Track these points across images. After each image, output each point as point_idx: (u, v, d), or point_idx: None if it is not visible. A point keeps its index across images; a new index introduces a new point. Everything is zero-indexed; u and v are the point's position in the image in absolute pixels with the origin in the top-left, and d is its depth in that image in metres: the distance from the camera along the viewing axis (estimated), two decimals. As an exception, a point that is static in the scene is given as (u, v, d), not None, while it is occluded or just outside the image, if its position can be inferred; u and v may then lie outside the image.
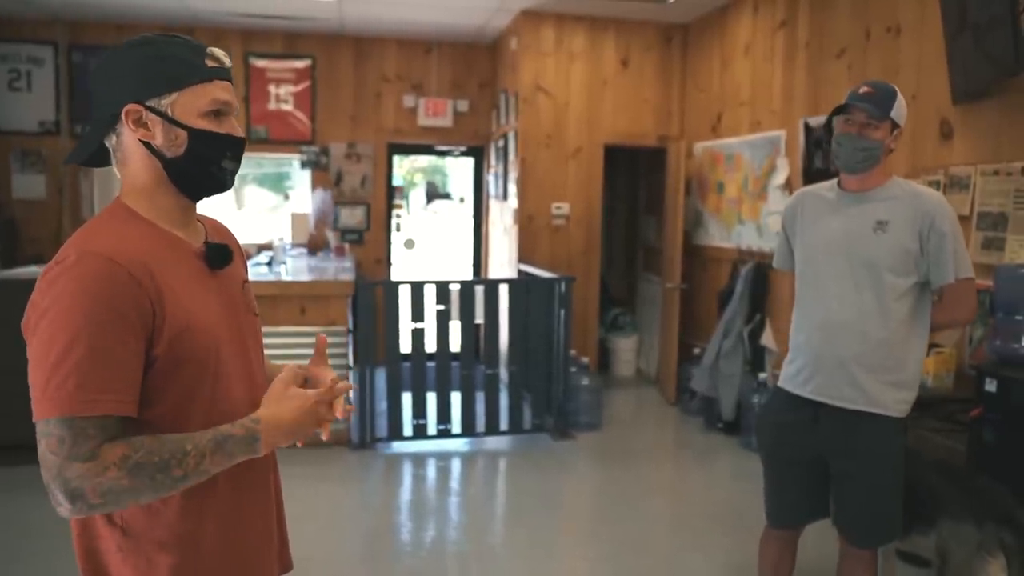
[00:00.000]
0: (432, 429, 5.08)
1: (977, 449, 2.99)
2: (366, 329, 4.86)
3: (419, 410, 5.03)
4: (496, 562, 3.60)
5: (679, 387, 6.04)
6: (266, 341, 1.48)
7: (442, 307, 4.97)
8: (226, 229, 1.47)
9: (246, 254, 1.54)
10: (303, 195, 7.36)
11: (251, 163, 7.62)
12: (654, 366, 6.85)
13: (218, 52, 1.28)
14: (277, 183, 8.24)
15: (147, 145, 1.23)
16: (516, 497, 4.48)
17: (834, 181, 2.51)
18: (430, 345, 4.99)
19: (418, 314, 4.93)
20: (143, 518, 1.20)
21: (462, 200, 8.35)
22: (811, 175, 4.62)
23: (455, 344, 5.07)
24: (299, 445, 1.32)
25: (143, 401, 1.17)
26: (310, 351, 1.46)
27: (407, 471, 4.79)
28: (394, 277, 7.19)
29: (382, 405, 5.14)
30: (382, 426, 5.08)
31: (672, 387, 6.11)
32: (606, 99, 6.42)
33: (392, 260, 7.51)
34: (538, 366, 5.27)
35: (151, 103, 1.22)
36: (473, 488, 4.61)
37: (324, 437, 1.34)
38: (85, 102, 6.74)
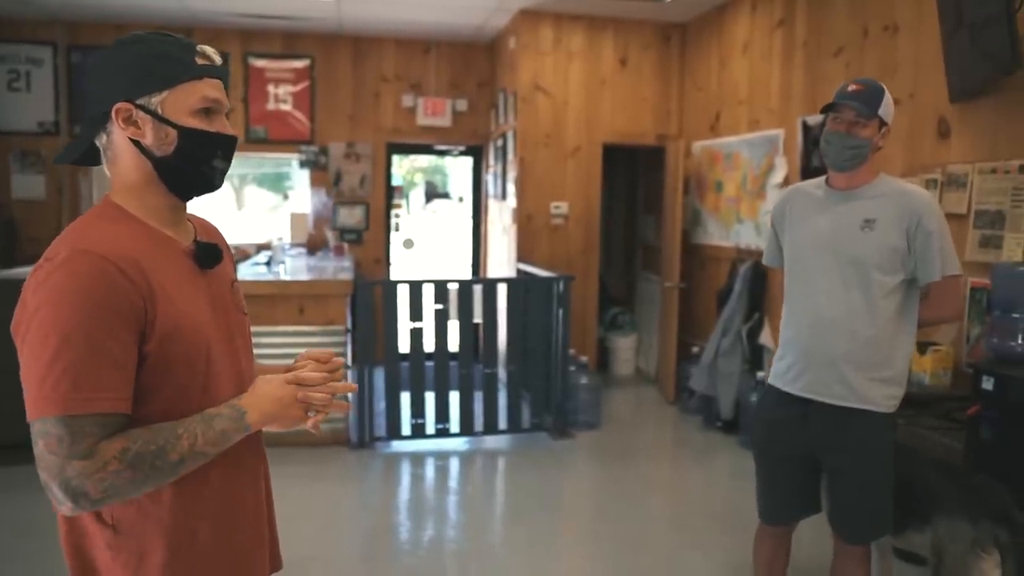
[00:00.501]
0: (431, 428, 5.08)
1: (974, 447, 2.99)
2: (365, 329, 4.87)
3: (418, 409, 5.04)
4: (495, 561, 3.60)
5: (678, 386, 6.05)
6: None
7: (440, 306, 4.97)
8: (215, 228, 1.46)
9: (245, 254, 1.55)
10: (302, 195, 7.36)
11: (251, 163, 7.64)
12: (653, 365, 6.86)
13: (208, 50, 1.27)
14: (277, 183, 8.25)
15: (137, 144, 1.23)
16: (515, 496, 4.48)
17: (823, 178, 2.52)
18: (429, 345, 5.00)
19: (416, 313, 4.93)
20: (134, 515, 1.20)
21: (461, 200, 8.34)
22: (809, 173, 4.62)
23: (454, 344, 5.08)
24: (314, 431, 1.32)
25: (136, 399, 1.17)
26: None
27: (406, 470, 4.79)
28: (393, 277, 7.19)
29: (381, 405, 5.14)
30: (380, 425, 5.08)
31: (671, 386, 6.12)
32: (605, 98, 6.42)
33: (391, 260, 7.51)
34: (537, 365, 5.28)
35: (141, 101, 1.21)
36: (472, 487, 4.62)
37: (310, 426, 1.31)
38: (84, 103, 6.73)
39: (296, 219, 7.20)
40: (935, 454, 2.92)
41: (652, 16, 6.33)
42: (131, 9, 6.26)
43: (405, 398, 5.03)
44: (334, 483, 4.47)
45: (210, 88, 1.26)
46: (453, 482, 4.72)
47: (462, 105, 7.34)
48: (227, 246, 1.43)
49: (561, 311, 5.23)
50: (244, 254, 6.54)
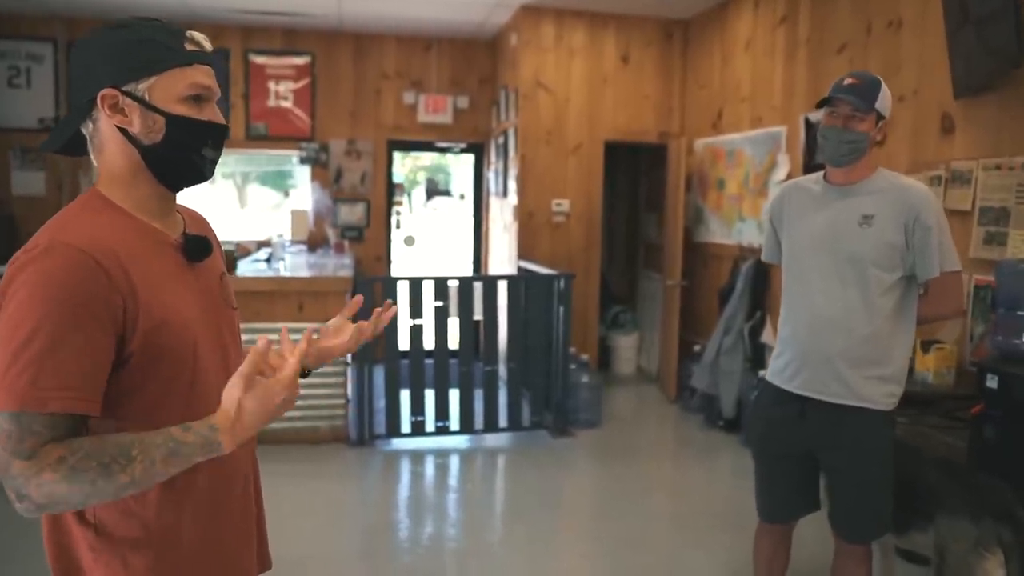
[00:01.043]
0: (430, 426, 5.06)
1: (978, 446, 2.96)
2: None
3: (417, 407, 5.01)
4: (494, 559, 3.58)
5: (679, 384, 6.02)
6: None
7: (441, 303, 4.95)
8: (204, 220, 1.43)
9: (246, 251, 1.50)
10: (303, 192, 7.34)
11: (254, 161, 7.61)
12: (654, 364, 6.83)
13: (198, 36, 1.24)
14: (279, 181, 8.23)
15: (124, 132, 1.19)
16: (515, 494, 4.46)
17: (820, 174, 2.50)
18: (429, 342, 4.97)
19: (416, 310, 4.91)
20: (117, 516, 1.16)
21: (462, 197, 8.31)
22: (812, 171, 4.54)
23: (454, 341, 5.05)
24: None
25: (118, 398, 1.13)
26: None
27: (405, 468, 4.77)
28: (393, 274, 7.16)
29: (380, 402, 5.12)
30: (380, 423, 5.06)
31: (672, 384, 6.09)
32: (606, 95, 6.40)
33: (392, 257, 7.49)
34: (537, 363, 5.25)
35: (128, 88, 1.17)
36: (471, 485, 4.59)
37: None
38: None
39: (297, 216, 7.17)
40: (938, 453, 2.89)
41: (654, 13, 6.30)
42: (131, 5, 6.23)
43: (405, 396, 5.01)
44: (333, 481, 4.45)
45: (200, 75, 1.22)
46: (453, 480, 4.70)
47: (463, 102, 7.31)
48: (216, 238, 1.39)
49: (562, 309, 5.20)
50: (245, 251, 6.52)
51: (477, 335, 5.33)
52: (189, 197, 1.38)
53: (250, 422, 1.11)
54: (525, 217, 6.30)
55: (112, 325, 1.10)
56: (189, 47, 1.22)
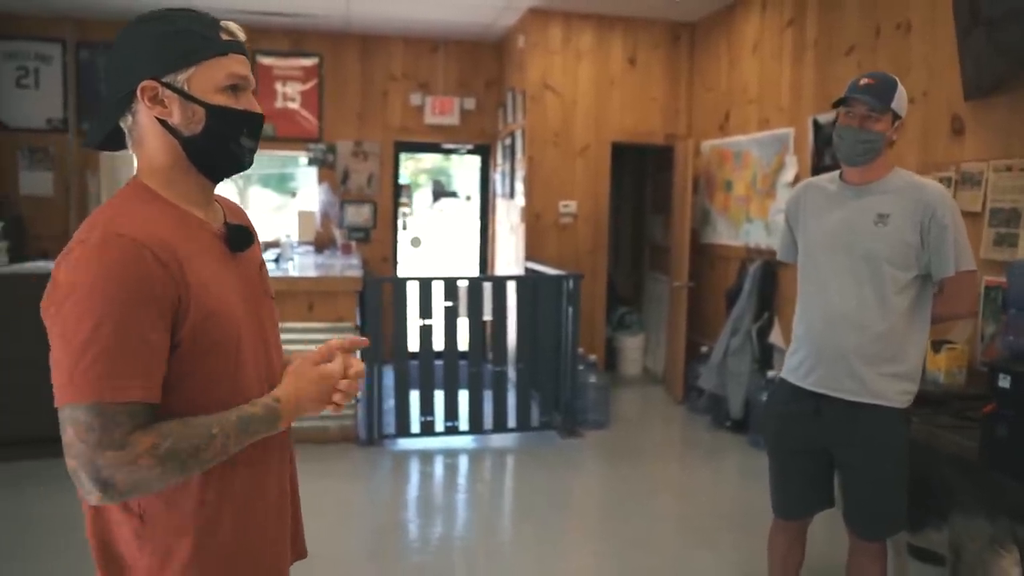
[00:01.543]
0: (440, 426, 5.07)
1: (990, 445, 2.97)
2: (374, 326, 4.86)
3: (427, 407, 5.03)
4: (504, 558, 3.59)
5: (686, 385, 6.03)
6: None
7: (450, 304, 4.96)
8: (242, 211, 1.43)
9: None
10: (309, 193, 7.36)
11: (257, 163, 7.63)
12: (661, 365, 6.84)
13: (232, 26, 1.24)
14: (281, 184, 8.26)
15: (164, 123, 1.19)
16: (524, 494, 4.47)
17: (836, 173, 2.51)
18: (438, 343, 4.99)
19: (426, 311, 4.93)
20: (161, 505, 1.18)
21: (468, 198, 8.34)
22: (820, 172, 4.60)
23: (463, 342, 5.07)
24: (335, 412, 1.36)
25: (165, 386, 1.14)
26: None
27: (414, 468, 4.78)
28: (401, 275, 7.18)
29: (390, 402, 5.14)
30: (390, 423, 5.08)
31: (679, 385, 6.10)
32: (613, 97, 6.42)
33: (398, 258, 7.51)
34: (546, 364, 5.26)
35: (167, 79, 1.18)
36: (480, 485, 4.60)
37: (332, 411, 1.35)
38: (93, 100, 6.75)
39: (304, 217, 7.19)
40: (951, 452, 2.90)
41: (661, 15, 6.33)
42: (140, 6, 6.25)
43: (414, 396, 5.02)
44: (343, 480, 4.46)
45: (236, 64, 1.22)
46: (462, 480, 4.71)
47: (470, 104, 7.34)
48: (254, 229, 1.40)
49: (571, 309, 5.22)
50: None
51: (486, 336, 5.34)
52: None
53: (303, 399, 1.26)
54: (532, 218, 6.32)
55: (168, 314, 1.12)
56: (225, 37, 1.22)
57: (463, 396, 5.11)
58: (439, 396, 5.05)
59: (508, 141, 6.85)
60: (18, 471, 4.32)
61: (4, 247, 5.15)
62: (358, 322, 5.14)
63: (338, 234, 7.11)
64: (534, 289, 5.23)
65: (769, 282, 5.20)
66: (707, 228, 6.24)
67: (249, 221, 1.41)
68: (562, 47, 6.32)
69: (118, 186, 6.58)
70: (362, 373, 1.36)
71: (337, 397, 1.31)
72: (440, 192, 8.59)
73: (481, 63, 7.41)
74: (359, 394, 5.06)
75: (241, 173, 1.32)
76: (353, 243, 7.06)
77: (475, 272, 7.73)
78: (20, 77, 6.63)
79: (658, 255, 7.21)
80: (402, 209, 7.56)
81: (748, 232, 5.62)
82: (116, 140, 1.27)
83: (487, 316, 5.12)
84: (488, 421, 5.15)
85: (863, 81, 2.34)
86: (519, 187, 6.46)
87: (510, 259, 6.82)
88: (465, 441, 5.16)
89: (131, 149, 1.25)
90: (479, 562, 3.56)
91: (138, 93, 1.18)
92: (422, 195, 8.97)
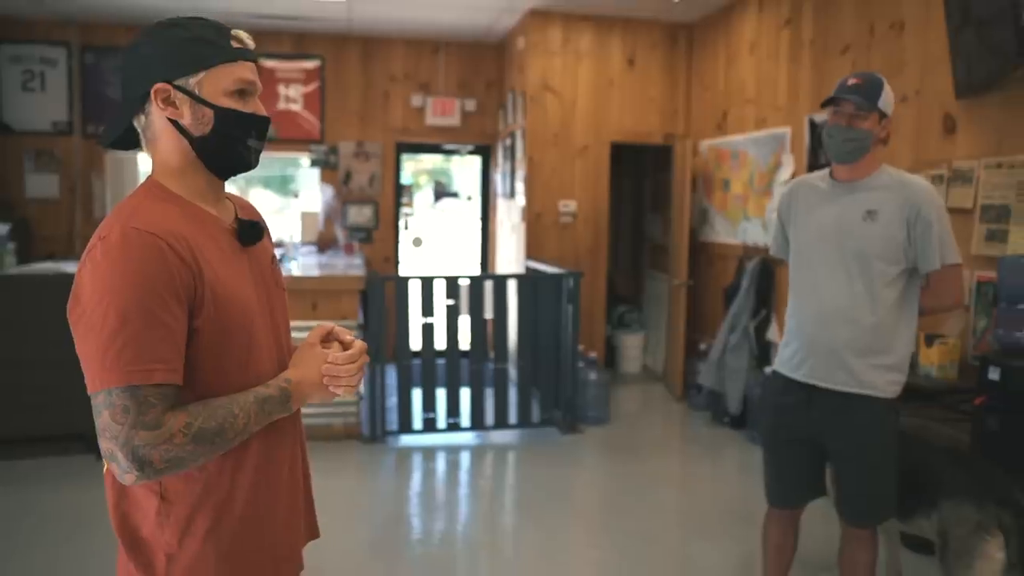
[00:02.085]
0: (442, 423, 5.14)
1: (981, 436, 3.04)
2: (376, 324, 4.93)
3: (429, 404, 5.10)
4: (505, 552, 3.65)
5: (686, 382, 6.09)
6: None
7: (452, 302, 5.03)
8: (252, 207, 1.51)
9: None
10: (312, 194, 7.43)
11: (260, 164, 7.67)
12: (661, 363, 6.90)
13: (242, 34, 1.32)
14: (282, 186, 8.32)
15: (175, 124, 1.27)
16: (525, 489, 4.53)
17: (827, 171, 2.58)
18: (440, 341, 5.05)
19: (428, 309, 4.99)
20: (180, 484, 1.25)
21: (469, 199, 8.41)
22: (815, 171, 4.67)
23: (464, 340, 5.13)
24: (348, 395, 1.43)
25: (184, 369, 1.21)
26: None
27: (417, 464, 4.84)
28: (403, 274, 7.24)
29: (392, 400, 5.21)
30: (393, 420, 5.14)
31: (679, 383, 6.16)
32: (613, 98, 6.48)
33: (400, 258, 7.58)
34: (547, 361, 5.33)
35: (179, 82, 1.25)
36: (482, 480, 4.67)
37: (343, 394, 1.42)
38: (98, 102, 6.83)
39: (306, 218, 7.27)
40: (942, 443, 2.97)
41: (660, 16, 6.39)
42: (144, 10, 6.33)
43: (416, 393, 5.09)
44: (347, 476, 4.53)
45: (245, 70, 1.30)
46: (464, 475, 4.78)
47: (471, 105, 7.41)
48: (265, 224, 1.47)
49: (571, 307, 5.28)
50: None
51: (487, 333, 5.40)
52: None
53: (313, 381, 1.34)
54: (532, 218, 6.39)
55: (186, 303, 1.20)
56: (235, 44, 1.30)
57: (465, 393, 5.18)
58: (441, 393, 5.12)
59: (508, 141, 6.91)
60: (26, 469, 4.39)
61: (11, 249, 5.22)
62: (361, 320, 5.21)
63: (340, 234, 7.18)
64: (534, 287, 5.30)
65: (766, 279, 5.26)
66: (705, 227, 6.30)
67: (260, 217, 1.49)
68: (562, 48, 6.39)
69: (123, 188, 6.69)
70: (363, 349, 1.43)
71: (340, 371, 1.38)
72: (441, 192, 8.67)
73: (481, 64, 7.48)
74: (361, 388, 5.14)
75: (247, 173, 1.39)
76: (355, 243, 7.14)
77: (476, 272, 7.80)
78: (26, 80, 6.71)
79: (657, 254, 7.27)
80: (404, 209, 7.63)
81: (746, 230, 5.68)
82: (131, 140, 1.35)
83: (488, 314, 5.18)
84: (489, 418, 5.22)
85: (850, 81, 2.41)
86: (519, 187, 6.53)
87: (511, 258, 6.89)
88: (467, 437, 5.23)
89: (145, 148, 1.33)
90: (481, 555, 3.62)
91: (152, 95, 1.26)
92: (423, 195, 9.04)
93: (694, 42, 6.56)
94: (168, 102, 1.26)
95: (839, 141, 2.41)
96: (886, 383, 2.43)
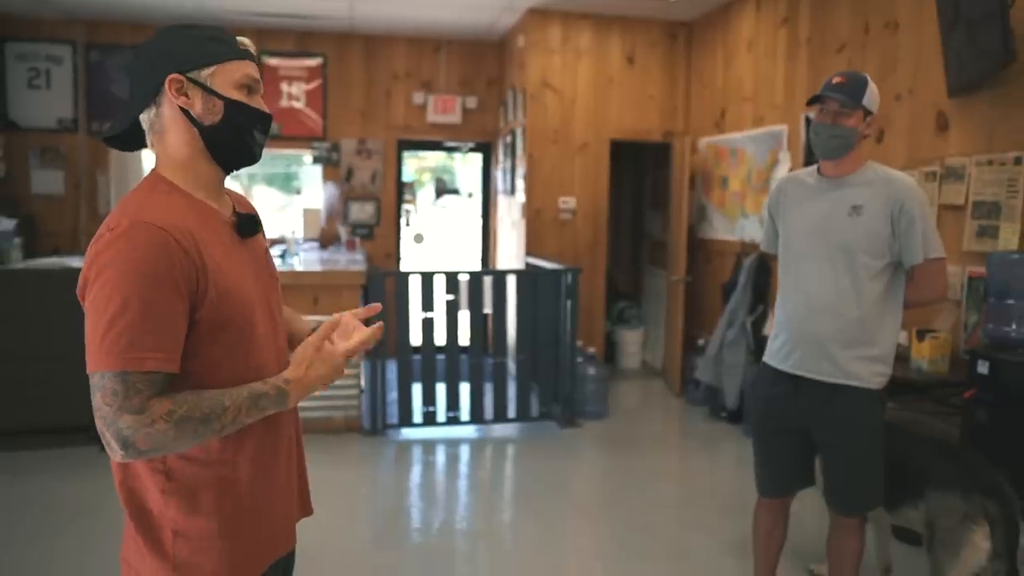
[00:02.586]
0: (441, 416, 5.20)
1: (970, 429, 3.09)
2: (377, 319, 4.98)
3: (429, 398, 5.16)
4: (504, 542, 3.71)
5: (684, 378, 6.15)
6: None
7: (452, 297, 5.08)
8: (247, 201, 1.59)
9: None
10: (314, 191, 7.49)
11: (262, 161, 7.73)
12: (659, 358, 6.96)
13: (247, 42, 1.43)
14: (285, 183, 8.37)
15: (187, 113, 1.35)
16: (524, 482, 4.59)
17: (814, 167, 2.64)
18: (440, 336, 5.11)
19: (428, 304, 5.05)
20: (185, 462, 1.32)
21: (470, 195, 8.47)
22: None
23: (464, 335, 5.19)
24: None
25: (185, 358, 1.28)
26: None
27: (417, 457, 4.91)
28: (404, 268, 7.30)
29: (393, 394, 5.27)
30: (393, 413, 5.21)
31: (677, 378, 6.22)
32: (612, 95, 6.54)
33: (402, 254, 7.64)
34: (545, 356, 5.38)
35: (192, 75, 1.34)
36: (481, 472, 4.73)
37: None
38: (103, 100, 6.90)
39: (309, 215, 7.33)
40: (926, 433, 3.01)
41: (658, 15, 6.44)
42: (149, 8, 6.40)
43: (417, 388, 5.15)
44: (348, 468, 4.59)
45: (251, 69, 1.40)
46: (463, 468, 4.84)
47: (472, 102, 7.46)
48: (260, 217, 1.54)
49: (569, 303, 5.34)
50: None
51: (487, 328, 5.46)
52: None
53: (312, 381, 1.36)
54: (532, 215, 6.44)
55: (187, 294, 1.26)
56: (241, 47, 1.41)
57: (464, 387, 5.24)
58: (441, 387, 5.18)
59: (509, 139, 6.97)
60: (30, 460, 4.46)
61: (17, 244, 5.29)
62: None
63: (342, 231, 7.24)
64: (533, 283, 5.35)
65: (763, 276, 5.31)
66: (704, 223, 6.35)
67: (255, 210, 1.56)
68: (561, 46, 6.44)
69: (127, 184, 6.75)
70: (367, 341, 1.47)
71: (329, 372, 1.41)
72: (442, 189, 8.71)
73: (482, 62, 7.53)
74: (363, 382, 5.20)
75: (250, 169, 1.46)
76: (357, 239, 7.20)
77: (477, 268, 7.84)
78: (32, 78, 6.78)
79: (656, 250, 7.33)
80: (405, 206, 7.69)
81: (743, 227, 5.73)
82: (133, 140, 1.43)
83: (487, 309, 5.24)
84: (489, 411, 5.28)
85: (835, 80, 2.47)
86: (520, 184, 6.59)
87: (511, 255, 6.95)
88: (466, 431, 5.29)
89: (150, 143, 1.40)
90: (480, 545, 3.68)
91: (166, 85, 1.33)
92: (425, 192, 9.10)
93: (693, 40, 6.61)
94: (181, 92, 1.34)
95: (824, 138, 2.47)
96: (871, 374, 2.48)
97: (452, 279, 5.10)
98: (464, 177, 9.33)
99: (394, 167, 7.48)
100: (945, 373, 3.57)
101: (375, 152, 7.37)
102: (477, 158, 7.99)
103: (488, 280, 5.27)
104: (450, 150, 8.00)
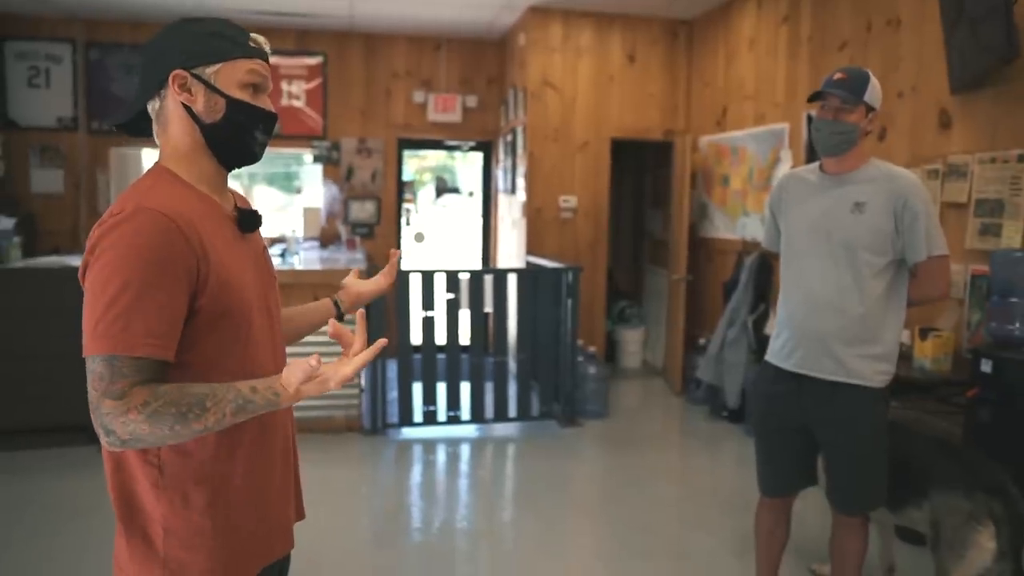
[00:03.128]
0: (442, 416, 5.19)
1: (973, 428, 3.08)
2: (377, 319, 4.97)
3: (429, 397, 5.14)
4: (504, 541, 3.70)
5: (685, 377, 6.13)
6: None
7: (452, 296, 5.07)
8: (247, 201, 1.57)
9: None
10: (314, 190, 7.48)
11: (262, 161, 7.73)
12: (660, 358, 6.94)
13: (259, 38, 1.40)
14: (286, 182, 8.36)
15: (188, 110, 1.33)
16: (524, 480, 4.58)
17: (816, 164, 2.62)
18: (440, 336, 5.10)
19: (428, 303, 5.03)
20: (178, 457, 1.30)
21: (471, 194, 8.45)
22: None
23: (465, 335, 5.17)
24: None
25: (182, 347, 1.26)
26: (323, 339, 1.56)
27: (417, 456, 4.89)
28: (404, 267, 7.28)
29: (393, 393, 5.26)
30: (393, 413, 5.19)
31: (678, 377, 6.20)
32: (613, 94, 6.52)
33: (402, 254, 7.60)
34: (546, 355, 5.37)
35: (196, 71, 1.32)
36: (482, 472, 4.71)
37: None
38: (102, 99, 6.88)
39: (309, 213, 7.32)
40: (934, 434, 3.00)
41: (659, 13, 6.42)
42: (149, 7, 6.38)
43: (417, 387, 5.13)
44: (348, 467, 4.58)
45: (259, 67, 1.38)
46: (464, 467, 4.82)
47: (472, 101, 7.44)
48: (259, 215, 1.53)
49: (570, 301, 5.32)
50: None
51: (487, 327, 5.44)
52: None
53: (303, 396, 1.28)
54: (533, 213, 6.43)
55: (187, 283, 1.24)
56: (252, 44, 1.38)
57: (465, 387, 5.22)
58: (441, 387, 5.17)
59: (509, 137, 6.95)
60: (29, 460, 4.45)
61: (17, 243, 5.28)
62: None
63: (343, 230, 7.23)
64: (534, 282, 5.34)
65: (765, 274, 5.29)
66: (705, 222, 6.34)
67: (254, 209, 1.54)
68: (562, 45, 6.42)
69: (127, 183, 6.73)
70: (365, 364, 1.35)
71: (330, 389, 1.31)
72: (443, 188, 8.71)
73: (483, 61, 7.51)
74: (363, 382, 5.19)
75: (251, 168, 1.44)
76: (357, 239, 7.19)
77: (478, 267, 7.83)
78: (31, 77, 6.76)
79: (657, 249, 7.31)
80: (406, 205, 7.67)
81: (744, 226, 5.71)
82: (140, 126, 1.41)
83: (488, 308, 5.23)
84: (489, 411, 5.26)
85: (836, 76, 2.45)
86: (520, 183, 6.57)
87: (512, 254, 6.93)
88: (467, 430, 5.27)
89: (155, 133, 1.39)
90: (481, 543, 3.67)
91: (169, 80, 1.32)
92: (425, 191, 9.10)
93: (694, 38, 6.59)
94: (184, 88, 1.32)
95: (826, 135, 2.45)
96: (874, 373, 2.47)
97: (453, 278, 5.08)
98: (465, 176, 9.33)
99: (394, 166, 7.47)
100: (948, 372, 3.55)
101: (375, 151, 7.36)
102: (478, 157, 7.98)
103: (489, 279, 5.26)
104: (450, 149, 7.98)
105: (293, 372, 1.25)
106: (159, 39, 1.36)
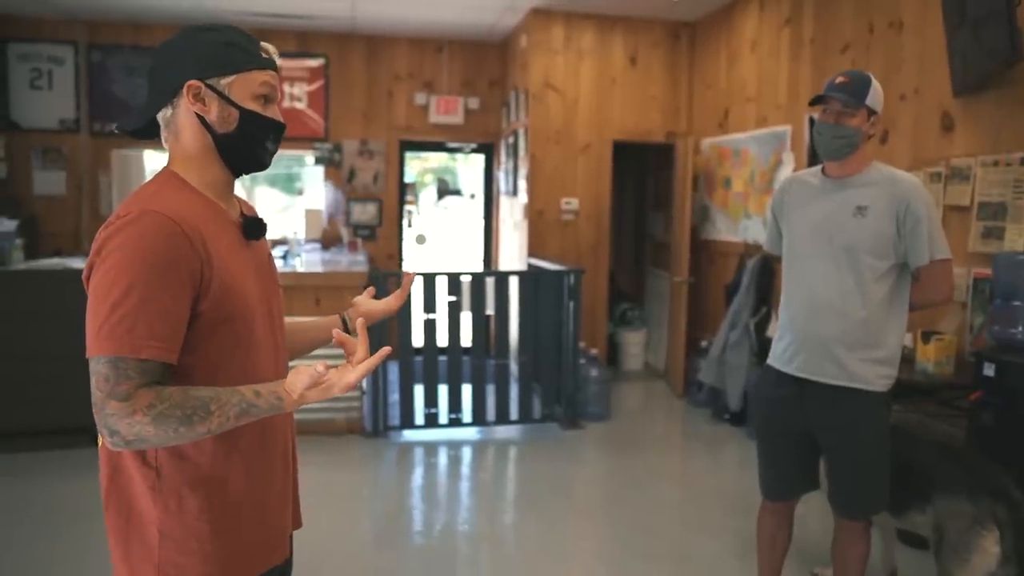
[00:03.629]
0: (443, 418, 5.18)
1: (976, 432, 3.07)
2: (380, 322, 4.95)
3: (431, 400, 5.14)
4: (506, 544, 3.69)
5: (687, 380, 6.13)
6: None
7: (454, 298, 5.07)
8: (254, 209, 1.57)
9: None
10: (316, 192, 7.48)
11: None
12: (662, 360, 6.93)
13: (270, 48, 1.41)
14: (287, 184, 8.36)
15: (201, 119, 1.34)
16: (526, 483, 4.57)
17: (819, 168, 2.62)
18: (442, 337, 5.09)
19: (430, 305, 5.03)
20: (176, 461, 1.30)
21: (472, 196, 8.46)
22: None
23: (466, 337, 5.17)
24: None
25: (183, 350, 1.27)
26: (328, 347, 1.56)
27: (419, 458, 4.89)
28: (406, 269, 7.27)
29: (395, 396, 5.25)
30: (394, 415, 5.19)
31: (680, 380, 6.20)
32: (615, 96, 6.52)
33: (404, 255, 7.62)
34: (548, 357, 5.37)
35: (211, 82, 1.33)
36: (483, 474, 4.71)
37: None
38: (104, 100, 6.89)
39: (311, 215, 7.32)
40: (933, 436, 2.99)
41: (661, 15, 6.42)
42: (150, 9, 6.39)
43: (419, 390, 5.13)
44: (349, 470, 4.58)
45: (270, 78, 1.39)
46: (465, 469, 4.82)
47: (474, 103, 7.45)
48: (265, 223, 1.53)
49: (572, 304, 5.32)
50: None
51: (489, 330, 5.44)
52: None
53: (308, 401, 1.30)
54: (535, 215, 6.43)
55: (191, 287, 1.25)
56: (264, 55, 1.39)
57: (466, 389, 5.22)
58: (443, 389, 5.16)
59: (511, 140, 6.95)
60: (31, 462, 4.45)
61: (19, 245, 5.28)
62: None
63: (344, 232, 7.23)
64: (536, 284, 5.33)
65: (767, 277, 5.29)
66: (707, 224, 6.33)
67: (260, 217, 1.54)
68: (564, 47, 6.42)
69: (129, 185, 6.74)
70: (368, 372, 1.34)
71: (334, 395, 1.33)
72: (445, 190, 8.73)
73: (485, 63, 7.52)
74: (364, 384, 5.18)
75: (261, 171, 1.46)
76: (359, 240, 7.19)
77: (479, 269, 7.83)
78: (34, 78, 6.77)
79: (659, 251, 7.30)
80: (407, 207, 7.67)
81: (746, 228, 5.71)
82: (148, 131, 1.42)
83: (490, 310, 5.22)
84: (491, 413, 5.26)
85: (838, 79, 2.45)
86: (522, 185, 6.57)
87: (513, 256, 6.93)
88: (468, 432, 5.27)
89: (164, 139, 1.40)
90: (482, 546, 3.66)
91: (184, 90, 1.33)
92: (427, 193, 9.11)
93: (696, 41, 6.59)
94: (198, 98, 1.33)
95: (828, 138, 2.45)
96: (876, 377, 2.46)
97: (454, 280, 5.08)
98: (466, 178, 9.33)
99: (396, 168, 7.47)
100: (950, 375, 3.54)
101: (377, 153, 7.36)
102: (479, 159, 7.98)
103: (490, 281, 5.26)
104: (452, 151, 7.98)
105: (298, 377, 1.26)
106: (172, 46, 1.36)
